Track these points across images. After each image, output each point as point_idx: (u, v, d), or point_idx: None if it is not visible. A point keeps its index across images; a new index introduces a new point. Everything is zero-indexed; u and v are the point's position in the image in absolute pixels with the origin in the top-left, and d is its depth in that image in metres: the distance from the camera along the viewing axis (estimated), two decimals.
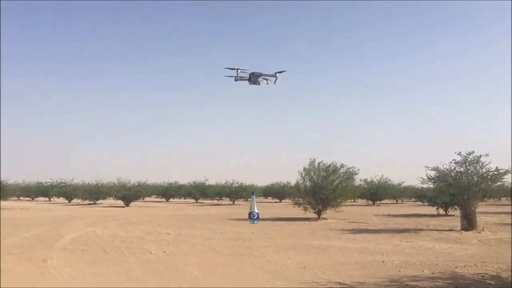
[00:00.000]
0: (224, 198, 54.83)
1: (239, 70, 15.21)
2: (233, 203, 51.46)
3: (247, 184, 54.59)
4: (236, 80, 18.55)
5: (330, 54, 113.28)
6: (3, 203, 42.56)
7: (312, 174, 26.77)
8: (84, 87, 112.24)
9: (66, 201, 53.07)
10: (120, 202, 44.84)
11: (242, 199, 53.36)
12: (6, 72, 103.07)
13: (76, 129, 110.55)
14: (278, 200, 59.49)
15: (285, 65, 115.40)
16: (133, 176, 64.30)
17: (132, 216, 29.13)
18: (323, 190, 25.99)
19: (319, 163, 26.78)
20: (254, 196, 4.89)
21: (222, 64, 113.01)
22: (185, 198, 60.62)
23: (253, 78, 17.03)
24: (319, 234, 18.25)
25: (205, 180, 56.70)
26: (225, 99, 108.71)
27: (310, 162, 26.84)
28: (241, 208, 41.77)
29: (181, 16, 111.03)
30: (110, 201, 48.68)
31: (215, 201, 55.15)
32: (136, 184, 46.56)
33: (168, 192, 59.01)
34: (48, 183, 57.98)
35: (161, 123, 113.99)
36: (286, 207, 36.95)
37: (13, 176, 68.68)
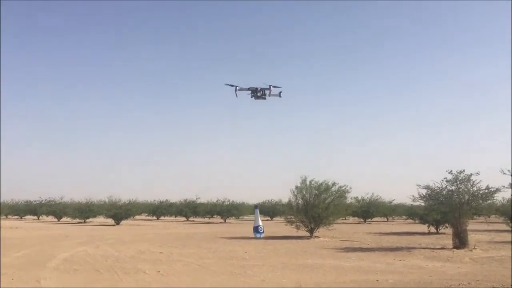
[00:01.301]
0: (215, 216, 54.58)
1: (237, 88, 15.69)
2: (225, 221, 51.25)
3: (238, 202, 54.53)
4: (237, 95, 19.20)
5: (318, 64, 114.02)
6: None
7: (304, 192, 26.80)
8: (72, 104, 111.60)
9: (56, 219, 52.49)
10: (110, 221, 44.46)
11: (233, 217, 53.16)
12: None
13: (65, 147, 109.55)
14: (269, 218, 59.33)
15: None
16: (123, 195, 63.82)
17: (124, 235, 28.90)
18: (315, 208, 26.00)
19: (311, 181, 26.85)
20: (257, 210, 4.90)
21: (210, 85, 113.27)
22: (176, 216, 60.24)
23: (256, 94, 17.78)
24: (313, 253, 18.26)
25: (196, 198, 56.52)
26: (217, 116, 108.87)
27: (302, 180, 26.92)
28: (233, 226, 41.64)
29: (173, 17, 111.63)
30: (100, 219, 48.26)
31: (206, 219, 54.89)
32: (127, 202, 46.23)
33: (159, 210, 58.63)
34: (37, 202, 57.34)
35: (152, 141, 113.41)
36: (278, 225, 36.86)
37: (1, 195, 67.85)
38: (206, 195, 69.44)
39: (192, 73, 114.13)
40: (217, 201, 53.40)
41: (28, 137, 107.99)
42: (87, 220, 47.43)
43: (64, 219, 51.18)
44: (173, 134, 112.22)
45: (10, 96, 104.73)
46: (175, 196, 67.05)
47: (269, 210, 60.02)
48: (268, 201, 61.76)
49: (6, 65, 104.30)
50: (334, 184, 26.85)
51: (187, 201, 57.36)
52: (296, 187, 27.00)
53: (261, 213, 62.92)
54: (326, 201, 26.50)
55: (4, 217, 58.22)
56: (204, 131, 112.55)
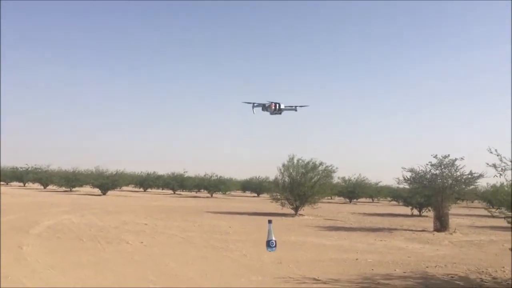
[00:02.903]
0: (202, 190, 54.85)
1: (254, 104, 16.55)
2: (211, 196, 51.54)
3: (225, 177, 54.80)
4: (254, 110, 20.10)
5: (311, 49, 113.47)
6: None
7: (291, 170, 27.00)
8: (62, 75, 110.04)
9: (42, 187, 52.36)
10: (97, 191, 44.50)
11: (220, 192, 53.47)
12: None
13: (56, 116, 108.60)
14: (256, 195, 59.76)
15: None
16: (111, 165, 63.68)
17: (109, 205, 28.95)
18: (301, 187, 26.23)
19: (298, 160, 27.04)
20: (271, 225, 4.93)
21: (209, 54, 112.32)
22: (163, 189, 60.41)
23: (277, 109, 18.48)
24: (296, 230, 18.48)
25: (184, 172, 56.68)
26: (207, 92, 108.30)
27: (290, 159, 27.10)
28: (219, 201, 41.88)
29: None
30: (87, 189, 48.28)
31: (193, 193, 55.11)
32: (114, 173, 46.23)
33: (146, 182, 58.70)
34: (24, 169, 57.07)
35: (142, 114, 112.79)
36: (264, 202, 37.16)
37: None
38: (194, 169, 69.60)
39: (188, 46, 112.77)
40: (204, 175, 53.64)
41: (18, 104, 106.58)
42: (74, 189, 47.38)
43: (50, 187, 51.09)
44: (164, 107, 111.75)
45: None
46: (163, 168, 67.19)
47: (256, 187, 60.48)
48: (256, 177, 62.19)
49: None
50: (321, 163, 27.09)
51: (175, 174, 57.49)
52: (283, 165, 27.18)
53: (248, 189, 64.12)
54: (312, 180, 26.72)
55: None
56: (193, 105, 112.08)
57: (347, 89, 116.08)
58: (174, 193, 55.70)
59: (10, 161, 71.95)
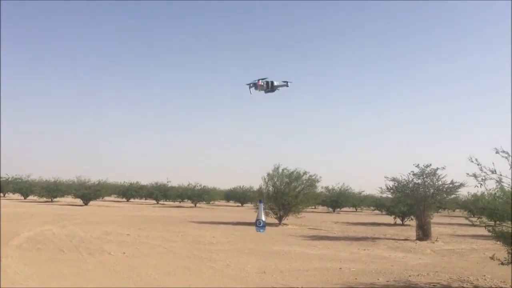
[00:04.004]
0: (186, 200, 54.48)
1: (260, 81, 15.76)
2: (195, 205, 51.23)
3: (209, 187, 54.53)
4: (251, 91, 18.82)
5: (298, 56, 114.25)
6: None
7: (276, 179, 27.01)
8: (44, 82, 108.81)
9: (22, 197, 51.47)
10: (78, 201, 43.86)
11: (204, 202, 53.20)
12: None
13: (37, 124, 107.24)
14: (240, 204, 59.57)
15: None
16: (93, 175, 62.96)
17: (91, 215, 28.57)
18: (285, 196, 26.25)
19: (283, 169, 27.07)
20: (262, 204, 4.90)
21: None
22: (146, 199, 59.83)
23: (270, 87, 17.58)
24: (280, 240, 18.45)
25: (167, 182, 56.25)
26: (192, 100, 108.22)
27: (274, 168, 27.13)
28: (203, 211, 41.64)
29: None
30: (69, 199, 47.58)
31: (176, 203, 54.71)
32: (96, 183, 45.67)
33: (129, 192, 58.07)
34: (4, 179, 55.98)
35: (125, 122, 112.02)
36: (248, 212, 37.04)
37: None
38: (178, 179, 69.18)
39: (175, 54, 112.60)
40: (188, 185, 53.30)
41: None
42: (55, 200, 46.68)
43: (31, 197, 50.23)
44: (149, 116, 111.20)
45: None
46: (146, 178, 66.62)
47: (240, 196, 60.27)
48: (240, 187, 62.01)
49: None
50: (305, 173, 27.17)
51: (158, 184, 57.02)
52: (268, 175, 27.20)
53: (232, 198, 63.88)
54: (297, 190, 26.78)
55: None
56: (181, 115, 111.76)
57: (331, 97, 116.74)
58: (158, 203, 55.20)
59: None
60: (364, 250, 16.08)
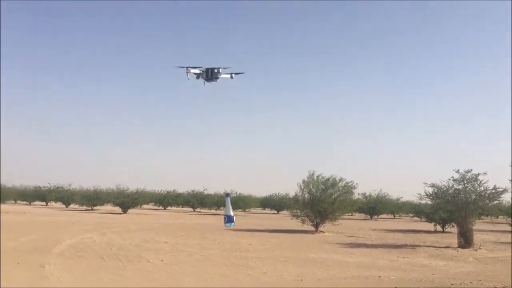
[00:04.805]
0: (222, 208, 54.76)
1: (189, 68, 13.49)
2: None
3: (244, 194, 54.71)
4: (189, 78, 16.16)
5: (329, 61, 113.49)
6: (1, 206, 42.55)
7: (311, 186, 26.85)
8: (82, 94, 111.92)
9: (64, 206, 53.03)
10: (117, 209, 44.80)
11: (240, 210, 53.40)
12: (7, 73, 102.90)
13: (76, 135, 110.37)
14: (275, 212, 59.47)
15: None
16: (131, 184, 64.20)
17: (130, 223, 29.13)
18: (321, 203, 26.05)
19: (318, 176, 26.89)
20: (229, 199, 4.91)
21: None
22: (183, 207, 60.56)
23: (210, 75, 15.21)
24: (317, 247, 18.30)
25: (203, 190, 56.75)
26: (226, 106, 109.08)
27: (309, 175, 26.97)
28: (239, 218, 41.64)
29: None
30: (108, 207, 48.65)
31: (213, 211, 55.12)
32: (134, 191, 46.58)
33: (166, 200, 58.85)
34: (46, 188, 57.86)
35: (162, 131, 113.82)
36: (284, 219, 36.96)
37: (11, 180, 68.55)
38: (214, 187, 69.71)
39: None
40: (223, 192, 53.59)
41: (40, 123, 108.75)
42: (95, 208, 47.86)
43: (72, 206, 51.69)
44: (182, 125, 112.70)
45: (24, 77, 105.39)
46: (183, 186, 67.37)
47: (276, 203, 60.18)
48: (275, 194, 61.92)
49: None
50: (341, 179, 26.89)
51: (195, 192, 57.62)
52: (303, 182, 27.06)
53: (268, 206, 63.85)
54: (333, 196, 26.53)
55: (13, 202, 58.91)
56: (211, 124, 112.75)
57: (367, 101, 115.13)
58: (194, 210, 55.78)
59: (33, 181, 73.17)
60: (404, 258, 15.74)
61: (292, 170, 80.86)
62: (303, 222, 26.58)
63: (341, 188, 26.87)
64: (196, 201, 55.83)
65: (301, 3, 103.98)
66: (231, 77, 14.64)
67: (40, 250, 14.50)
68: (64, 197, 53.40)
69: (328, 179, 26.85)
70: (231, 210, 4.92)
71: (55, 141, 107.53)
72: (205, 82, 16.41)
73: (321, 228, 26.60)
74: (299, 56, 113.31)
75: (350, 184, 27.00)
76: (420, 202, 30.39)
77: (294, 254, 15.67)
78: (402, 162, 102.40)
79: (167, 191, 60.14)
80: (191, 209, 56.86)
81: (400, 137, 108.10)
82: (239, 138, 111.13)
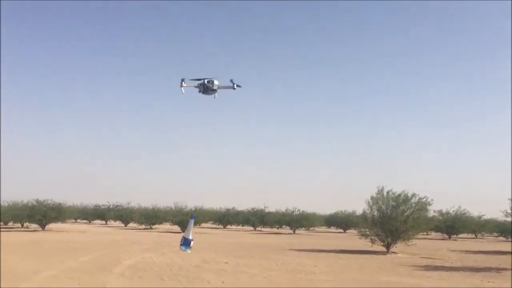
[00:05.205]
0: (284, 226, 54.65)
1: (183, 82, 12.92)
2: (294, 232, 51.18)
3: (308, 212, 54.23)
4: (183, 91, 15.37)
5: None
6: (61, 225, 44.88)
7: (381, 203, 26.27)
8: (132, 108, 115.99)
9: (123, 224, 55.01)
10: (176, 228, 45.88)
11: (303, 228, 53.00)
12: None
13: (131, 153, 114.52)
14: (342, 231, 58.54)
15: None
16: (189, 201, 65.59)
17: None
18: (392, 221, 25.38)
19: (388, 192, 26.27)
20: (193, 220, 4.84)
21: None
22: (243, 225, 60.93)
23: (205, 89, 14.28)
24: (389, 270, 17.82)
25: (264, 207, 56.88)
26: (284, 119, 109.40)
27: (378, 191, 26.39)
28: (303, 237, 41.51)
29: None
30: (167, 226, 49.97)
31: (274, 230, 55.09)
32: (193, 209, 47.50)
33: (225, 218, 59.46)
34: (105, 206, 60.31)
35: (218, 147, 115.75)
36: (351, 238, 36.31)
37: (71, 199, 72.05)
38: (275, 204, 69.62)
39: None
40: (286, 210, 53.45)
41: (98, 143, 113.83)
42: (153, 226, 49.27)
43: (130, 224, 53.52)
44: (243, 142, 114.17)
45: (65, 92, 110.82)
46: (243, 204, 67.86)
47: (342, 221, 59.27)
48: (341, 211, 60.97)
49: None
50: (413, 195, 26.10)
51: (255, 209, 57.86)
52: (372, 198, 26.53)
53: (333, 224, 63.00)
54: (405, 214, 25.82)
55: (73, 220, 61.77)
56: (270, 136, 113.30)
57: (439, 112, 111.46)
58: (255, 229, 55.98)
59: (92, 199, 76.45)
60: (488, 282, 15.01)
61: (358, 186, 79.41)
62: (372, 242, 25.99)
63: (414, 204, 26.08)
64: (257, 219, 55.98)
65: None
66: (234, 88, 13.92)
67: (101, 270, 15.11)
68: (123, 215, 55.40)
69: (399, 195, 26.17)
70: (191, 233, 4.93)
71: (114, 160, 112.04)
72: (203, 93, 15.64)
73: (392, 249, 25.88)
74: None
75: (424, 200, 26.16)
76: (505, 220, 28.87)
77: (364, 277, 15.34)
78: (484, 176, 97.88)
79: (227, 209, 60.80)
80: (251, 228, 57.12)
81: (480, 151, 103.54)
82: (301, 152, 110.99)
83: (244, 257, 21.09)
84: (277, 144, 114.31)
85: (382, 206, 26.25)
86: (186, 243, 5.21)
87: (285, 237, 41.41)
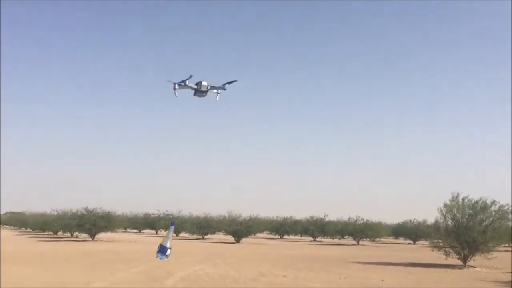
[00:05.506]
0: (346, 237, 53.93)
1: (176, 85, 12.85)
2: (358, 243, 50.39)
3: (373, 221, 53.25)
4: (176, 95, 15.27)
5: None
6: (111, 235, 46.33)
7: (455, 211, 25.39)
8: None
9: (174, 234, 55.93)
10: (230, 238, 46.24)
11: (368, 239, 52.09)
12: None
13: (181, 161, 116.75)
14: (411, 242, 57.12)
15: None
16: (243, 210, 66.09)
17: (244, 253, 29.85)
18: (469, 232, 24.43)
19: (463, 199, 25.34)
20: (173, 228, 4.79)
21: None
22: (301, 236, 60.71)
23: (198, 91, 14.19)
24: (466, 286, 17.16)
25: (324, 216, 56.36)
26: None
27: (453, 197, 25.51)
28: (367, 249, 40.81)
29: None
30: (220, 236, 50.47)
31: (335, 240, 54.48)
32: (248, 218, 47.69)
33: (282, 228, 59.43)
34: (155, 215, 61.66)
35: (276, 153, 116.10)
36: (422, 250, 35.32)
37: (120, 208, 74.25)
38: (336, 213, 69.00)
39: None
40: (348, 219, 52.70)
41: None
42: (206, 236, 49.88)
43: (182, 234, 54.44)
44: (298, 148, 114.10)
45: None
46: (301, 213, 67.63)
47: (411, 232, 57.78)
48: (410, 221, 59.46)
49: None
50: (493, 202, 25.05)
51: (314, 218, 57.44)
52: (445, 205, 25.68)
53: (401, 235, 61.59)
54: (483, 223, 24.81)
55: (123, 230, 63.63)
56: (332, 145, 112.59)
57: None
58: (314, 240, 55.59)
59: (141, 208, 78.64)
60: None
61: (429, 193, 77.33)
62: (446, 254, 25.13)
63: (493, 213, 25.04)
64: (316, 229, 55.58)
65: None
66: (224, 89, 13.66)
67: (152, 282, 15.41)
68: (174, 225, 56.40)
69: (477, 202, 25.18)
70: (168, 241, 4.86)
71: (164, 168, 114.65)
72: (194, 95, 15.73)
73: (470, 262, 24.93)
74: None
75: (505, 208, 25.06)
76: None
77: None
78: None
79: (283, 218, 60.74)
80: (310, 238, 56.74)
81: None
82: (363, 158, 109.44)
83: (303, 269, 20.92)
84: (339, 150, 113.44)
85: (457, 215, 25.36)
86: (162, 250, 5.21)
87: (347, 249, 40.85)
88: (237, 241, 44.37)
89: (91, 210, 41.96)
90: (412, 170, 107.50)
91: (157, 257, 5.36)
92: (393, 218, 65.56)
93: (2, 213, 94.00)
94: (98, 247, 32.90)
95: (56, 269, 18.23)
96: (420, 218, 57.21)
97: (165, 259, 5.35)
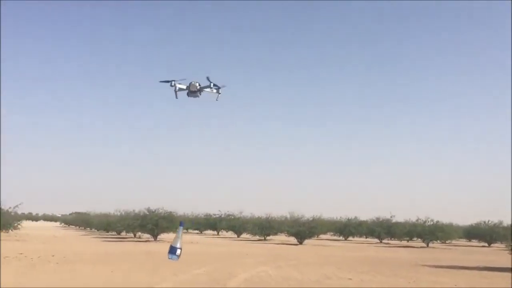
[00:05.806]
0: (415, 238, 52.73)
1: (176, 83, 12.42)
2: (427, 245, 49.15)
3: (444, 222, 51.78)
4: (176, 96, 14.87)
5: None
6: (172, 235, 47.32)
7: None
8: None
9: (235, 235, 56.66)
10: (292, 239, 46.25)
11: (438, 241, 50.71)
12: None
13: (244, 163, 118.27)
14: (486, 244, 55.16)
15: None
16: (306, 211, 65.99)
17: (307, 255, 29.79)
18: None
19: None
20: (182, 228, 4.69)
21: None
22: (366, 237, 59.91)
23: (192, 91, 13.75)
24: None
25: (391, 216, 55.35)
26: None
27: None
28: (438, 252, 39.78)
29: None
30: (281, 237, 50.57)
31: (403, 242, 53.37)
32: (311, 219, 47.53)
33: (347, 229, 58.87)
34: (216, 216, 62.55)
35: (340, 151, 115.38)
36: (498, 254, 34.07)
37: (182, 208, 75.72)
38: (404, 213, 67.63)
39: None
40: (417, 220, 51.45)
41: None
42: (267, 238, 50.11)
43: (243, 235, 54.96)
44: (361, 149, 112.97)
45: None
46: (366, 213, 66.77)
47: (485, 233, 55.80)
48: (484, 222, 57.42)
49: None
50: None
51: (380, 219, 56.54)
52: None
53: (474, 237, 59.62)
54: None
55: (185, 231, 64.87)
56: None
57: None
58: (381, 241, 54.69)
59: (203, 209, 79.99)
60: None
61: (505, 193, 74.43)
62: None
63: None
64: (383, 230, 54.66)
65: None
66: (218, 92, 13.13)
67: (215, 284, 15.67)
68: (236, 225, 57.07)
69: None
70: (178, 241, 4.83)
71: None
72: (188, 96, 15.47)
73: None
74: None
75: None
76: None
77: None
78: None
79: (348, 219, 60.13)
80: (376, 240, 55.88)
81: None
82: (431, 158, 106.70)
83: (369, 273, 20.65)
84: (406, 145, 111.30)
85: None
86: (172, 251, 5.30)
87: (416, 251, 39.96)
88: (300, 243, 44.31)
89: (153, 210, 42.92)
90: (486, 170, 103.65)
91: (169, 258, 5.53)
92: (465, 219, 63.64)
93: (68, 213, 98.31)
94: (160, 247, 33.72)
95: (121, 269, 18.87)
96: (495, 219, 55.27)
97: (176, 259, 5.51)
